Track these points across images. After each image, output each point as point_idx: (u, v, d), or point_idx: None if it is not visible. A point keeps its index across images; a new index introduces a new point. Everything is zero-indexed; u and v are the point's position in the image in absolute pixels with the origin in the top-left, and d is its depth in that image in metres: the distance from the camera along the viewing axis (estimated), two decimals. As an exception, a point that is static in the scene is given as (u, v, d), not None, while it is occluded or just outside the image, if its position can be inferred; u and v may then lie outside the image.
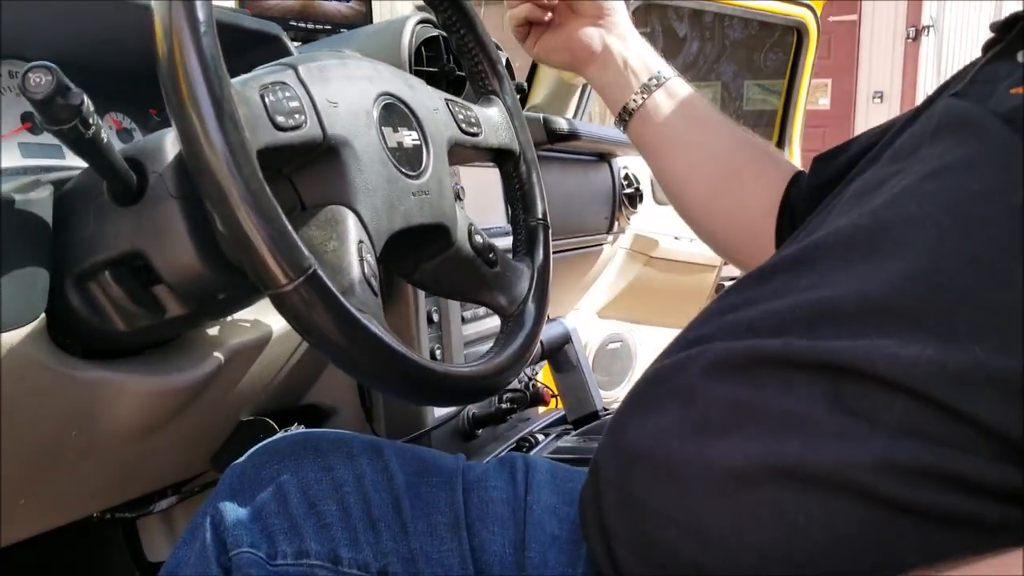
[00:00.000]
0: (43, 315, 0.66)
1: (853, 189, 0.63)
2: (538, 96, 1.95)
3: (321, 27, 1.22)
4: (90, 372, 0.71)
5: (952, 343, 0.47)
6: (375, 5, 1.34)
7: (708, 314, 0.63)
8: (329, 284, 0.57)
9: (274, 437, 0.73)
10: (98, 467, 0.84)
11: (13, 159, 0.82)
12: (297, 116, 0.62)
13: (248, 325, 0.87)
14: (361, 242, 0.64)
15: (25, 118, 0.85)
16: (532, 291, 0.82)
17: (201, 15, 0.54)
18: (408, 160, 0.72)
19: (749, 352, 0.54)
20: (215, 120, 0.53)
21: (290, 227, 0.56)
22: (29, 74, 0.56)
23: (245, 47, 0.96)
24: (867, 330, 0.50)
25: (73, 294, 0.68)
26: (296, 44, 1.14)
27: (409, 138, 0.73)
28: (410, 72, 1.10)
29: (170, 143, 0.66)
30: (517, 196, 0.87)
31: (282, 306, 0.57)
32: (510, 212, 0.88)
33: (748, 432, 0.52)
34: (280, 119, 0.61)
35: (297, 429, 1.00)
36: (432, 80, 1.14)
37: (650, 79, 0.88)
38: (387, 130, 0.71)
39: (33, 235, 0.65)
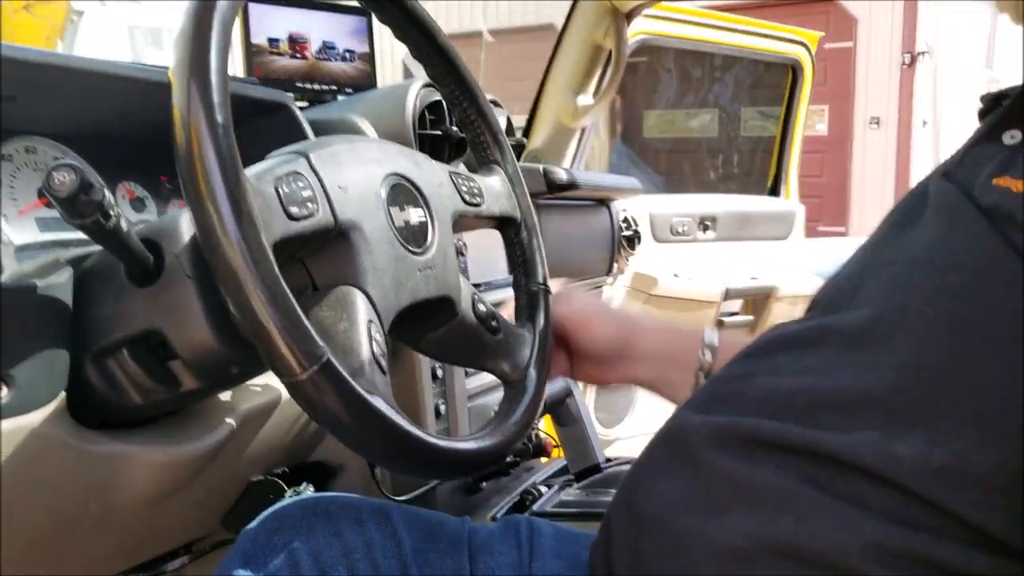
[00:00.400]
0: (63, 393, 0.68)
1: (856, 263, 0.64)
2: (536, 140, 1.97)
3: (327, 88, 1.24)
4: (108, 446, 0.73)
5: (935, 438, 0.48)
6: (377, 57, 1.36)
7: (715, 382, 0.64)
8: (341, 370, 0.59)
9: (285, 502, 0.75)
10: (114, 534, 0.86)
11: (31, 234, 0.84)
12: (310, 205, 0.64)
13: (259, 390, 0.89)
14: (371, 322, 0.66)
15: (41, 193, 0.86)
16: (534, 357, 0.84)
17: (220, 117, 0.57)
18: (414, 238, 0.74)
19: (750, 431, 0.56)
20: (232, 216, 0.56)
21: (304, 317, 0.58)
22: (53, 173, 0.58)
23: (254, 114, 0.99)
24: (858, 423, 0.51)
25: (92, 371, 0.70)
26: (302, 105, 1.16)
27: (415, 215, 0.75)
28: (414, 135, 1.13)
29: (185, 225, 0.68)
30: (519, 262, 0.90)
31: (296, 392, 0.59)
32: (512, 277, 0.91)
33: (746, 509, 0.54)
34: (294, 209, 0.63)
35: (306, 489, 1.02)
36: (436, 143, 1.17)
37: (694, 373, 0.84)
38: (394, 209, 0.73)
39: (54, 319, 0.67)
